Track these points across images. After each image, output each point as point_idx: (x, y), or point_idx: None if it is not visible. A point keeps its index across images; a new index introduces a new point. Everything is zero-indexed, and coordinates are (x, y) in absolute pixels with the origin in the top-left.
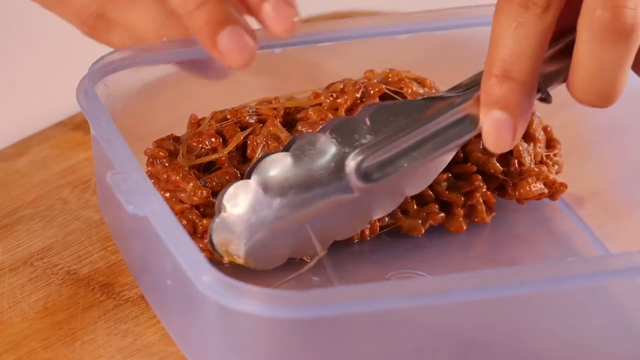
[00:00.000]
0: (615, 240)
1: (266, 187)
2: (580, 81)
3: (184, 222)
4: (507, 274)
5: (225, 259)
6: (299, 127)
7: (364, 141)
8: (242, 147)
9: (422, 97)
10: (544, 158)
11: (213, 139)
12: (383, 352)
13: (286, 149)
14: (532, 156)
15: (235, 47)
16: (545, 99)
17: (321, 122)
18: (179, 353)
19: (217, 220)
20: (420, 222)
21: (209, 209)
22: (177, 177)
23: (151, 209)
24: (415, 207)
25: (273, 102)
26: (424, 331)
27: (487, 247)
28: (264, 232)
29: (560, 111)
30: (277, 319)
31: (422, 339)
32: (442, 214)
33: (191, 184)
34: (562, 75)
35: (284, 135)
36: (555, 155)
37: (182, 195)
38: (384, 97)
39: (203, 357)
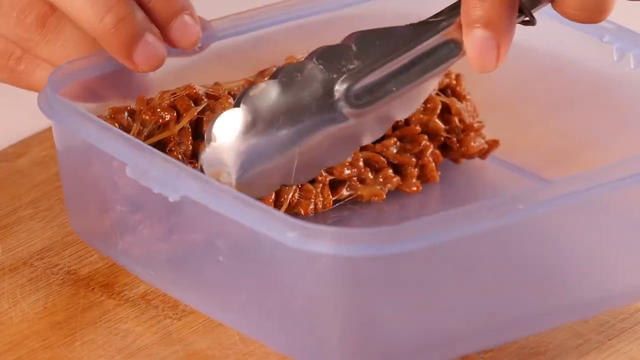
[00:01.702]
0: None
1: (255, 115)
2: None
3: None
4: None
5: (227, 182)
6: None
7: (351, 66)
8: (194, 123)
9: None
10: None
11: (166, 114)
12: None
13: (273, 77)
14: (469, 113)
15: (149, 57)
16: (530, 21)
17: None
18: (179, 353)
19: (207, 150)
20: (379, 187)
21: None
22: None
23: (189, 188)
24: (370, 175)
25: (214, 86)
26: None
27: (445, 202)
28: (255, 160)
29: (559, 112)
30: (376, 257)
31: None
32: (397, 177)
33: None
34: None
35: None
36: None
37: None
38: None
39: (293, 323)
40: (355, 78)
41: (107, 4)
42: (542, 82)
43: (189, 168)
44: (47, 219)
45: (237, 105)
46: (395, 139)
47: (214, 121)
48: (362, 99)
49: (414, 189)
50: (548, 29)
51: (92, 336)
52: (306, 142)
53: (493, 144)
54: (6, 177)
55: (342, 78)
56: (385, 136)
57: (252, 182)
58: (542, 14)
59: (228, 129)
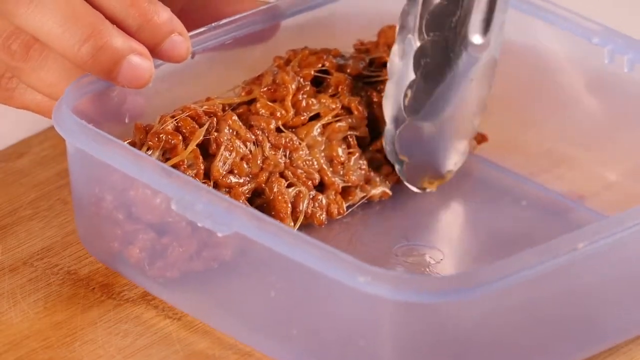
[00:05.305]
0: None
1: (421, 117)
2: None
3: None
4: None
5: (435, 187)
6: (253, 122)
7: (457, 17)
8: (201, 144)
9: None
10: None
11: (173, 138)
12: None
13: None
14: None
15: (133, 78)
16: None
17: (271, 115)
18: (179, 353)
19: (400, 168)
20: (383, 186)
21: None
22: None
23: (241, 224)
24: (372, 173)
25: (207, 101)
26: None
27: (437, 193)
28: (438, 149)
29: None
30: (449, 302)
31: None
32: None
33: None
34: None
35: (243, 131)
36: None
37: None
38: (315, 81)
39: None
40: (467, 21)
41: (84, 34)
42: (534, 84)
43: (239, 203)
44: (47, 219)
45: (410, 113)
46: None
47: (391, 144)
48: (484, 33)
49: None
50: (538, 30)
51: (92, 336)
52: (466, 96)
53: (481, 139)
54: (6, 177)
55: (458, 31)
56: (379, 134)
57: (448, 167)
58: (532, 14)
59: (411, 143)
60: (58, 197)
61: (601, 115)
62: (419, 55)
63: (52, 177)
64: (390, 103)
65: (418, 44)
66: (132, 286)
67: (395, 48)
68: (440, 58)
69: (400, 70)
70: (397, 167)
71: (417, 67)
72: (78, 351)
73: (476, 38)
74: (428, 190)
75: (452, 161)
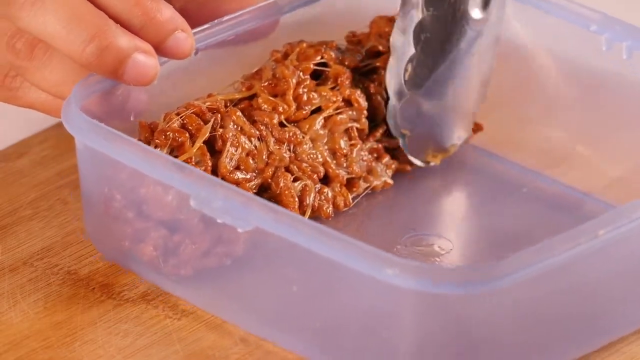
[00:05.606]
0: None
1: (423, 91)
2: None
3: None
4: None
5: (438, 161)
6: (256, 118)
7: None
8: (207, 141)
9: None
10: None
11: (179, 135)
12: None
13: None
14: None
15: (139, 76)
16: None
17: (274, 110)
18: (179, 353)
19: (404, 142)
20: (385, 176)
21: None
22: None
23: (260, 218)
24: (373, 164)
25: (209, 98)
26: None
27: (439, 182)
28: (440, 123)
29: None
30: (475, 294)
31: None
32: (395, 162)
33: None
34: None
35: (247, 126)
36: None
37: None
38: (313, 74)
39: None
40: None
41: (88, 35)
42: (534, 78)
43: (258, 198)
44: (47, 219)
45: (412, 87)
46: (385, 127)
47: (394, 118)
48: (483, 5)
49: (409, 168)
50: (533, 19)
51: (92, 336)
52: (468, 71)
53: (477, 128)
54: (6, 177)
55: (458, 5)
56: (376, 125)
57: (450, 141)
58: (527, 3)
59: (412, 118)
60: (58, 197)
61: (604, 111)
62: (419, 29)
63: (52, 177)
64: (393, 78)
65: (420, 16)
66: (132, 286)
67: (398, 24)
68: (440, 32)
69: (402, 45)
70: (400, 140)
71: (417, 41)
72: (78, 351)
73: (475, 12)
74: (432, 163)
75: (456, 135)
